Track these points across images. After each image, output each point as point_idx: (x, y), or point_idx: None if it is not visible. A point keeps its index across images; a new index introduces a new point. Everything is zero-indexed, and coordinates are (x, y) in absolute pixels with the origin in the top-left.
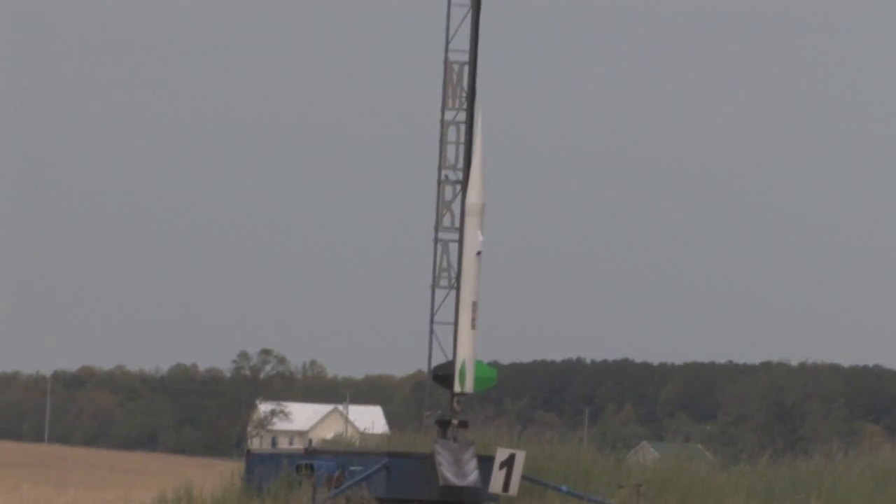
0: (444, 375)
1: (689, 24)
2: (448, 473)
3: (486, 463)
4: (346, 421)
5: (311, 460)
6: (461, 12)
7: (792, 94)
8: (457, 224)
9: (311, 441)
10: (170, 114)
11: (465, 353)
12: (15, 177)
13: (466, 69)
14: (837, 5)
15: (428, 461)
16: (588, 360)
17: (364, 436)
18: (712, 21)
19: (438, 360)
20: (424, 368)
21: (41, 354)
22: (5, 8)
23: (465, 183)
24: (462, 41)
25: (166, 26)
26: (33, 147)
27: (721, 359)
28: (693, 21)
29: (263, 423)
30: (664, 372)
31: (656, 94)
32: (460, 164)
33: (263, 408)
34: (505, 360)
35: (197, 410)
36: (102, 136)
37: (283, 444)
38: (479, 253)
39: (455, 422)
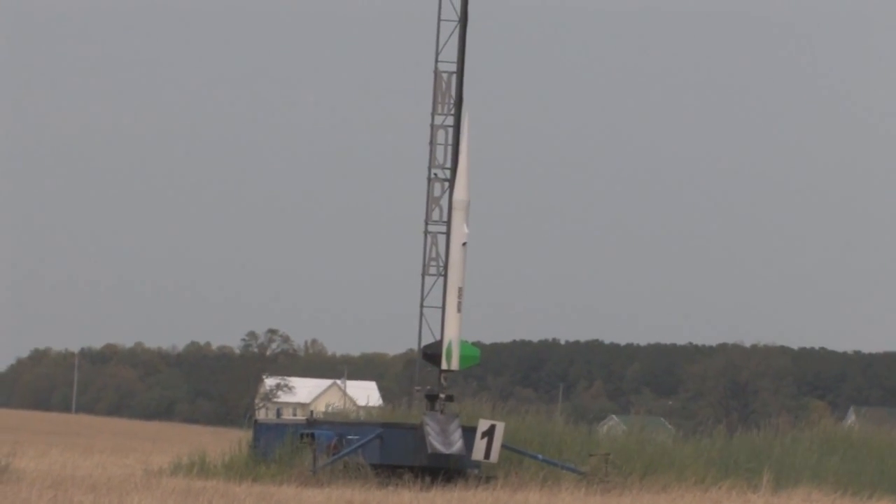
0: (432, 354)
1: (666, 34)
2: (435, 442)
3: (469, 433)
4: (344, 394)
5: (312, 430)
6: (450, 27)
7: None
8: (445, 218)
9: (312, 412)
10: (170, 101)
11: (452, 334)
12: (34, 169)
13: (454, 78)
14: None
15: (417, 431)
16: (562, 341)
17: (360, 408)
18: (697, 29)
19: (427, 339)
20: (415, 347)
21: (70, 333)
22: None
23: (452, 181)
24: (450, 53)
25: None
26: (50, 137)
27: (682, 340)
28: (668, 31)
29: (269, 396)
30: (630, 352)
31: (629, 99)
32: (448, 164)
33: (269, 382)
34: (487, 341)
35: (209, 384)
36: (115, 115)
37: (287, 415)
38: (464, 244)
39: (442, 396)
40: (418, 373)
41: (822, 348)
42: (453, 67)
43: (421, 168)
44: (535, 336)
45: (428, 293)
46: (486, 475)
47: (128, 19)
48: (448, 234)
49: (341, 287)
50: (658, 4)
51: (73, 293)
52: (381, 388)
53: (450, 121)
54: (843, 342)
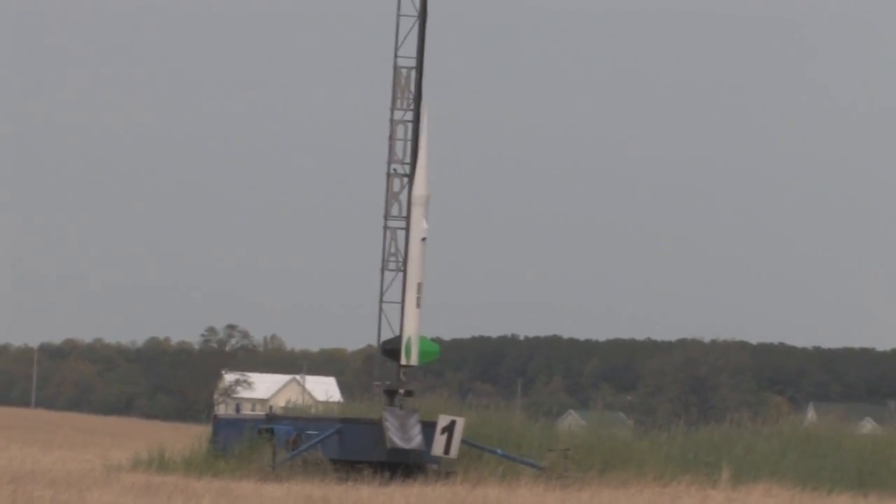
0: (391, 349)
1: (628, 29)
2: (395, 437)
3: (429, 428)
4: (303, 390)
5: (272, 425)
6: (409, 22)
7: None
8: (404, 213)
9: (271, 408)
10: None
11: (411, 330)
12: (7, 162)
13: (413, 74)
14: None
15: (376, 426)
16: (521, 337)
17: (319, 403)
18: (662, 25)
19: (387, 335)
20: (374, 343)
21: (29, 328)
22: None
23: (411, 176)
24: (410, 49)
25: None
26: (26, 135)
27: (641, 336)
28: (630, 27)
29: (229, 392)
30: (589, 347)
31: (585, 93)
32: (407, 159)
33: (229, 377)
34: (447, 336)
35: (169, 380)
36: (85, 114)
37: (247, 411)
38: (423, 239)
39: (401, 391)
40: (377, 368)
41: (782, 343)
42: (412, 63)
43: (380, 163)
44: (494, 332)
45: (387, 288)
46: (445, 470)
47: (126, 17)
48: (407, 229)
49: (300, 282)
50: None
51: (32, 289)
52: (340, 384)
53: (409, 116)
54: (802, 338)
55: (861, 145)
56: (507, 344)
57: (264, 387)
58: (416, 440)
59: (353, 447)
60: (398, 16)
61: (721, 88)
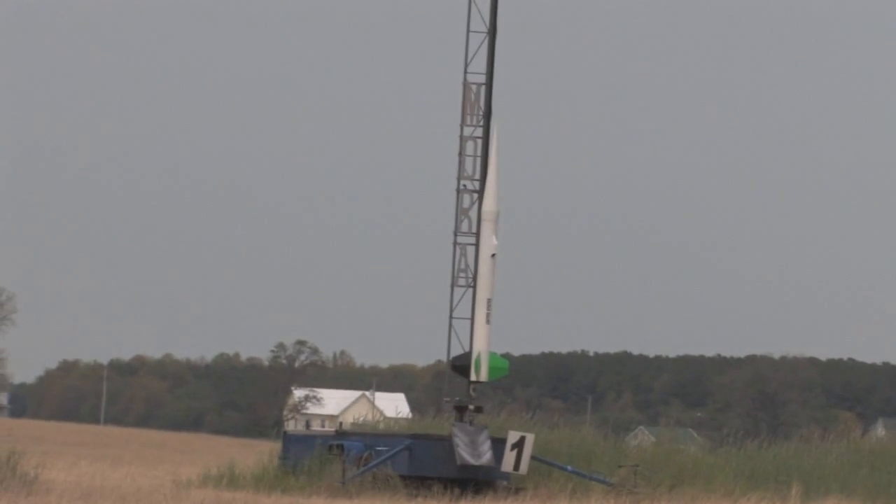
0: (461, 365)
1: (685, 36)
2: (465, 453)
3: (498, 444)
4: (373, 406)
5: (342, 441)
6: (479, 38)
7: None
8: (474, 229)
9: (341, 424)
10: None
11: (481, 345)
12: (53, 178)
13: (483, 90)
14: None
15: (446, 442)
16: (591, 353)
17: (389, 419)
18: (721, 30)
19: (456, 351)
20: (444, 359)
21: (98, 345)
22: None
23: (481, 192)
24: (479, 65)
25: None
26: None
27: (710, 352)
28: (689, 31)
29: (298, 408)
30: (659, 363)
31: (653, 106)
32: (477, 175)
33: (298, 393)
34: (516, 352)
35: (238, 395)
36: (136, 129)
37: (316, 427)
38: (493, 255)
39: (471, 407)
40: (447, 384)
41: (851, 359)
42: (482, 79)
43: (450, 179)
44: (563, 348)
45: (457, 305)
46: (515, 486)
47: (127, 18)
48: (477, 245)
49: (370, 298)
50: (677, 19)
51: (102, 305)
52: (409, 400)
53: (479, 132)
54: (871, 353)
55: None
56: (576, 360)
57: (333, 403)
58: (486, 456)
59: (422, 463)
60: (468, 32)
61: None
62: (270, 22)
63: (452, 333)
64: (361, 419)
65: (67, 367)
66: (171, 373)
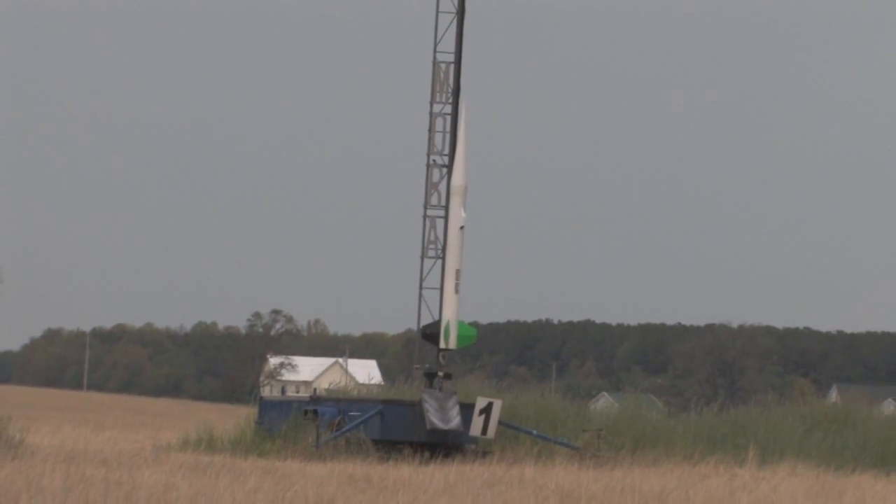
0: (431, 333)
1: (664, 29)
2: (434, 418)
3: (467, 409)
4: (346, 372)
5: (316, 406)
6: (448, 18)
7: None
8: (443, 203)
9: (315, 390)
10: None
11: (450, 314)
12: (44, 159)
13: (452, 68)
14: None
15: (416, 408)
16: (555, 321)
17: (361, 386)
18: (694, 28)
19: (426, 320)
20: (414, 327)
21: (81, 313)
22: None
23: (450, 167)
24: (448, 44)
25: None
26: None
27: (671, 321)
28: (666, 27)
29: (274, 374)
30: (621, 332)
31: (621, 90)
32: (446, 151)
33: (274, 361)
34: (484, 321)
35: (216, 363)
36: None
37: (291, 393)
38: (462, 227)
39: (440, 374)
40: (417, 352)
41: (807, 328)
42: (451, 58)
43: (420, 154)
44: (529, 316)
45: (427, 275)
46: (482, 450)
47: (122, 17)
48: (446, 218)
49: (343, 269)
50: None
51: (85, 275)
52: (381, 367)
53: (448, 109)
54: (826, 322)
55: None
56: (541, 328)
57: (308, 370)
58: (455, 421)
59: (393, 428)
60: (437, 12)
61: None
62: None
63: (422, 303)
64: (335, 385)
65: (51, 336)
66: (152, 341)
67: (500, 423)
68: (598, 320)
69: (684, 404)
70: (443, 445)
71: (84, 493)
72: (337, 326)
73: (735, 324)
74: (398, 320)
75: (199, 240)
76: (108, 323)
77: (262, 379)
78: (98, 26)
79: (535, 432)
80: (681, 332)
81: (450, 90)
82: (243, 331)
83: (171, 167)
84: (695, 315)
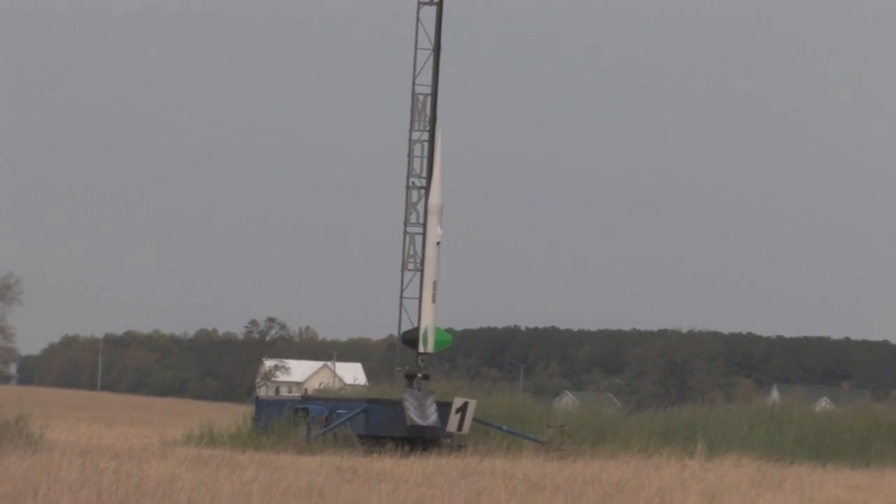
0: (410, 339)
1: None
2: (413, 416)
3: (444, 408)
4: (334, 374)
5: (307, 405)
6: (425, 55)
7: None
8: (421, 220)
9: (306, 390)
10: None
11: (428, 322)
12: (50, 170)
13: (429, 99)
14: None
15: (398, 406)
16: (523, 327)
17: (348, 386)
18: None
19: (406, 326)
20: (395, 333)
21: (95, 321)
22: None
23: (427, 188)
24: (426, 77)
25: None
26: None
27: (627, 326)
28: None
29: (269, 376)
30: (582, 336)
31: (570, 108)
32: (424, 174)
33: (269, 363)
34: (458, 327)
35: (216, 365)
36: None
37: (285, 393)
38: (438, 243)
39: (419, 375)
40: (398, 355)
41: (750, 333)
42: (428, 90)
43: (400, 177)
44: (499, 323)
45: (407, 286)
46: (457, 444)
47: (119, 18)
48: (424, 234)
49: (332, 281)
50: (611, 45)
51: (98, 287)
52: (366, 369)
53: (425, 136)
54: (768, 328)
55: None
56: (510, 334)
57: (300, 372)
58: (432, 418)
59: (377, 424)
60: (416, 49)
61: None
62: (250, 21)
63: (403, 311)
64: (324, 386)
65: (68, 341)
66: (159, 346)
67: (473, 420)
68: (562, 326)
69: (639, 402)
70: (421, 440)
71: (97, 483)
72: (326, 332)
73: (685, 329)
74: (381, 327)
75: (201, 255)
76: (119, 330)
77: (258, 380)
78: (105, 37)
79: (504, 428)
80: (636, 336)
81: (427, 119)
82: (241, 336)
83: (172, 184)
84: (649, 321)
